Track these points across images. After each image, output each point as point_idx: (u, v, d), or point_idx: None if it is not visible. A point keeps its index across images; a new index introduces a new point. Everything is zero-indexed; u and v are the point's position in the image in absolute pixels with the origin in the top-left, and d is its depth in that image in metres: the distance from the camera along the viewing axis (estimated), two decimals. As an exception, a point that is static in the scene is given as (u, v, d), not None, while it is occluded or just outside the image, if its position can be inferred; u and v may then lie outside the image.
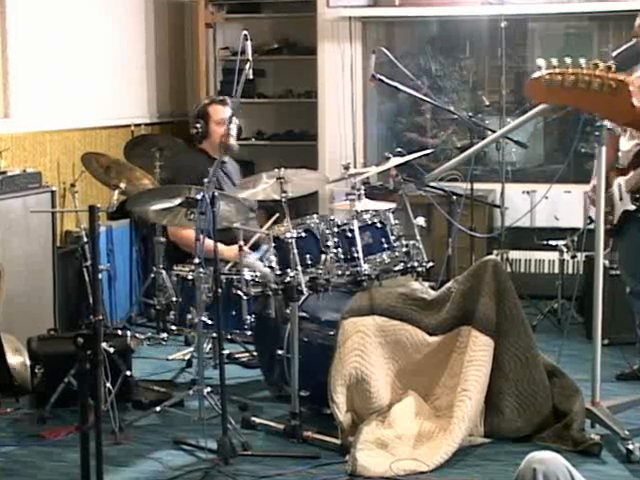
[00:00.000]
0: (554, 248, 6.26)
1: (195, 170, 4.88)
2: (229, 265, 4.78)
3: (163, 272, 5.48)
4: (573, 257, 6.18)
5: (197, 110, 5.39)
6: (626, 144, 4.57)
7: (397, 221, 4.64)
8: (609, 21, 7.10)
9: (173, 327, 4.90)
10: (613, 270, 5.30)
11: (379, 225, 4.58)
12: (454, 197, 5.50)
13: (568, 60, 1.77)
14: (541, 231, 6.69)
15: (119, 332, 4.84)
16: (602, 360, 4.23)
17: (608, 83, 1.74)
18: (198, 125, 5.31)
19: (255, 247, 5.10)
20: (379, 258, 4.53)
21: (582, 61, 1.76)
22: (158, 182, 5.57)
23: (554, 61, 1.78)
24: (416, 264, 4.58)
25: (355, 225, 4.47)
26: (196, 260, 4.25)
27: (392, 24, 7.65)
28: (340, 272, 4.43)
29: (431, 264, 4.66)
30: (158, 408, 4.44)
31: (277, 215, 4.35)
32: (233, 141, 5.36)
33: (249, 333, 4.70)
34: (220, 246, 4.78)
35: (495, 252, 6.31)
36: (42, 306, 5.28)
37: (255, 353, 5.13)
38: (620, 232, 4.69)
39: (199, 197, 4.13)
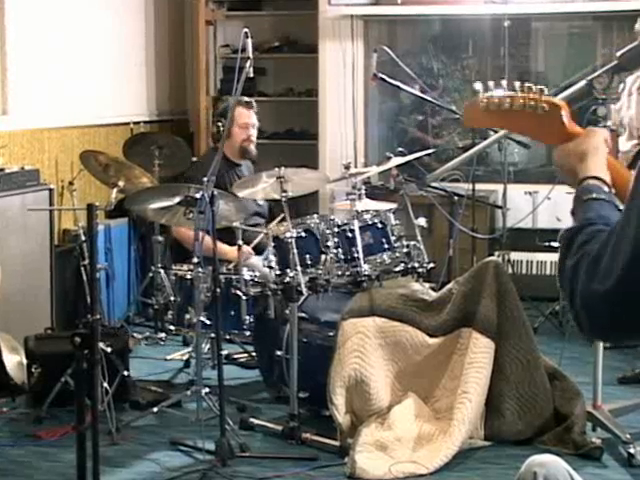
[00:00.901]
0: (556, 250, 6.23)
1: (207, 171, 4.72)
2: (231, 265, 4.77)
3: (161, 271, 5.48)
4: (575, 259, 6.16)
5: (221, 109, 5.34)
6: (625, 144, 4.57)
7: (398, 221, 4.64)
8: (613, 21, 7.10)
9: (171, 327, 4.90)
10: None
11: (380, 225, 4.58)
12: (455, 197, 5.49)
13: (504, 82, 1.81)
14: (543, 232, 6.68)
15: (117, 332, 4.84)
16: (604, 363, 4.24)
17: (541, 105, 1.79)
18: (220, 124, 5.25)
19: (260, 249, 5.10)
20: (379, 259, 4.53)
21: (517, 84, 1.81)
22: (157, 181, 5.56)
23: (491, 84, 1.82)
24: (417, 265, 4.58)
25: (355, 225, 4.47)
26: (195, 259, 4.25)
27: (394, 22, 7.65)
28: (340, 272, 4.43)
29: (432, 265, 4.65)
30: (155, 409, 4.44)
31: (283, 215, 4.33)
32: (253, 147, 5.37)
33: (248, 333, 4.70)
34: (223, 246, 4.79)
35: (496, 253, 6.31)
36: (39, 305, 5.28)
37: (254, 354, 5.13)
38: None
39: (198, 196, 4.13)
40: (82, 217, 5.47)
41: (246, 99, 5.33)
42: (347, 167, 4.80)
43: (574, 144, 1.80)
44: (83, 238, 5.52)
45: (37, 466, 4.02)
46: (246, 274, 4.59)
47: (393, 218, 4.62)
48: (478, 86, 1.83)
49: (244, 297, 4.58)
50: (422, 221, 4.75)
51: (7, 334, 4.83)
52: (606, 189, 1.74)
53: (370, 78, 5.53)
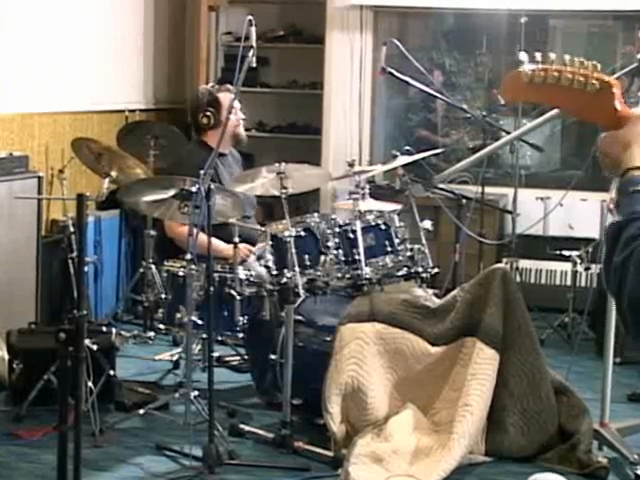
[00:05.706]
0: (567, 259, 6.26)
1: (196, 167, 4.66)
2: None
3: (153, 267, 5.47)
4: (587, 269, 6.18)
5: (206, 98, 5.27)
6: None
7: (402, 223, 4.64)
8: (634, 21, 7.10)
9: (161, 326, 4.91)
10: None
11: (383, 227, 4.58)
12: (463, 200, 5.50)
13: (552, 55, 1.75)
14: (554, 240, 6.69)
15: (104, 329, 4.84)
16: (613, 379, 4.24)
17: (592, 82, 1.72)
18: (208, 114, 5.21)
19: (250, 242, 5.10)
20: (382, 262, 4.53)
21: (567, 57, 1.74)
22: (152, 172, 5.56)
23: (538, 56, 1.76)
24: (420, 270, 4.58)
25: (358, 226, 4.47)
26: (188, 256, 4.24)
27: (405, 15, 7.66)
28: (340, 275, 4.43)
29: (436, 270, 4.66)
30: (142, 411, 4.45)
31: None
32: (242, 131, 5.33)
33: (241, 335, 4.70)
34: (220, 243, 4.78)
35: (505, 260, 6.31)
36: (24, 298, 5.28)
37: (246, 357, 5.14)
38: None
39: (194, 189, 4.12)
40: (71, 207, 5.47)
41: (228, 86, 5.27)
42: (351, 165, 4.81)
43: (623, 132, 1.72)
44: (72, 229, 5.51)
45: (15, 467, 4.02)
46: (241, 273, 4.59)
47: (397, 220, 4.62)
48: (523, 56, 1.77)
49: (238, 297, 4.57)
50: (428, 224, 4.75)
51: (-11, 328, 4.84)
52: None
53: (378, 72, 5.53)
